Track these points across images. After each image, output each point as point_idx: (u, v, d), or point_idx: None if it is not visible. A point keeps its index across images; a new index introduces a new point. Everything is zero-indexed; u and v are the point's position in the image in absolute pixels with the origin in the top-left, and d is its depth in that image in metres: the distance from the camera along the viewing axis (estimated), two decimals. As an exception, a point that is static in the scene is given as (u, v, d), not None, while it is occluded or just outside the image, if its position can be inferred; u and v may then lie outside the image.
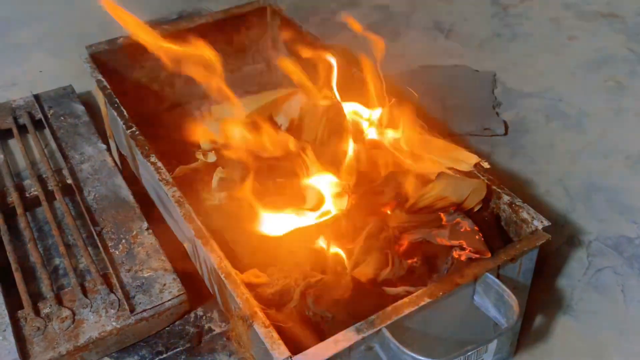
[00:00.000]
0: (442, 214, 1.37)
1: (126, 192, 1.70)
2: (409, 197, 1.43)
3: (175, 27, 2.01)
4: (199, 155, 1.66)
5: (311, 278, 1.28)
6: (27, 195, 1.73)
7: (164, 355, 1.42)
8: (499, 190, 1.42)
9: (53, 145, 1.85)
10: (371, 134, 1.55)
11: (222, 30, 2.05)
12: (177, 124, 1.89)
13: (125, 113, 1.67)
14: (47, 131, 1.91)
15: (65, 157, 1.81)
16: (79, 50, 1.95)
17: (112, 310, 1.41)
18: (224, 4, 2.13)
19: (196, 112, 2.02)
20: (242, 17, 2.07)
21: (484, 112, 2.29)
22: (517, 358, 1.54)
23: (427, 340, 1.24)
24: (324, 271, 1.32)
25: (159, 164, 1.50)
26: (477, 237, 1.30)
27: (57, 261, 1.61)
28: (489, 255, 1.25)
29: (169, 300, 1.43)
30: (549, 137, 2.20)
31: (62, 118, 1.98)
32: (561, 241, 1.80)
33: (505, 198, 1.40)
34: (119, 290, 1.43)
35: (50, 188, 1.73)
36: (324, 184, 1.41)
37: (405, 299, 1.16)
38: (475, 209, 1.44)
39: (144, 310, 1.40)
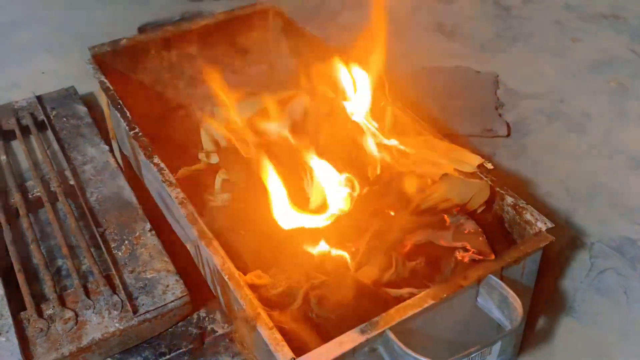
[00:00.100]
0: (445, 216, 1.37)
1: (129, 194, 1.69)
2: (413, 198, 1.43)
3: (177, 28, 2.01)
4: (202, 157, 1.67)
5: (314, 279, 1.28)
6: (30, 196, 1.73)
7: (167, 357, 1.42)
8: (502, 191, 1.42)
9: (56, 146, 1.85)
10: (374, 135, 1.55)
11: (225, 32, 2.05)
12: (179, 126, 1.90)
13: (128, 114, 1.67)
14: (49, 132, 1.91)
15: (67, 158, 1.81)
16: (82, 51, 1.95)
17: (115, 312, 1.40)
18: (226, 5, 2.13)
19: (199, 113, 2.02)
20: (244, 18, 2.07)
21: (487, 114, 2.29)
22: (520, 359, 1.54)
23: (431, 342, 1.24)
24: (327, 273, 1.32)
25: (162, 165, 1.50)
26: (480, 238, 1.30)
27: (59, 262, 1.60)
28: (493, 257, 1.25)
29: (172, 301, 1.42)
30: (551, 138, 2.20)
31: (65, 119, 1.97)
32: (564, 243, 1.80)
33: (509, 199, 1.40)
34: (122, 292, 1.43)
35: (53, 189, 1.73)
36: (327, 185, 1.41)
37: (409, 301, 1.16)
38: (479, 211, 1.44)
39: (147, 312, 1.40)
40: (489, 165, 1.47)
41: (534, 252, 1.28)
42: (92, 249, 1.56)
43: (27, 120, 1.97)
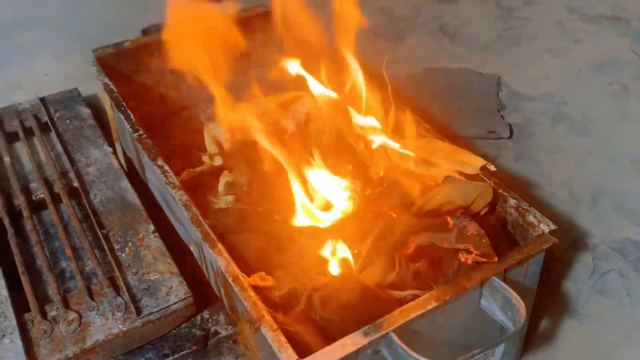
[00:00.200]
0: (448, 218, 1.37)
1: (132, 195, 1.70)
2: (416, 200, 1.43)
3: (180, 30, 2.01)
4: (206, 159, 1.67)
5: (318, 281, 1.28)
6: (34, 198, 1.73)
7: (171, 358, 1.42)
8: (505, 193, 1.42)
9: (59, 148, 1.86)
10: (378, 137, 1.55)
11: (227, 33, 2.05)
12: (183, 127, 1.90)
13: (131, 116, 1.67)
14: (53, 134, 1.92)
15: (71, 160, 1.82)
16: (85, 53, 1.95)
17: (119, 313, 1.41)
18: (228, 7, 2.13)
19: (202, 115, 2.02)
20: (247, 20, 2.07)
21: (489, 115, 2.29)
22: (523, 361, 1.54)
23: (434, 343, 1.24)
24: (331, 275, 1.32)
25: (166, 167, 1.50)
26: (483, 240, 1.30)
27: (63, 264, 1.61)
28: (496, 259, 1.25)
29: (176, 303, 1.43)
30: (554, 140, 2.20)
31: (68, 121, 1.98)
32: (566, 244, 1.80)
33: (512, 201, 1.40)
34: (126, 293, 1.44)
35: (56, 191, 1.73)
36: (331, 187, 1.42)
37: (412, 303, 1.16)
38: (482, 213, 1.44)
39: (151, 313, 1.41)
40: (492, 167, 1.47)
41: (537, 254, 1.28)
42: (96, 251, 1.56)
43: (30, 122, 1.98)
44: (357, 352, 1.10)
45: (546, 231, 1.32)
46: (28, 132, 1.96)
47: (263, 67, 2.14)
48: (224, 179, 1.57)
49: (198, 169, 1.65)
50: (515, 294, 1.19)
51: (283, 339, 1.11)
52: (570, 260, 1.77)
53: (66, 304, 1.43)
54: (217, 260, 1.28)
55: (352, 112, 1.58)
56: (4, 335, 1.37)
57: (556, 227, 1.32)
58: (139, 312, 1.40)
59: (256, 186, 1.52)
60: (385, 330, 1.12)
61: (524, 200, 1.40)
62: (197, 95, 2.09)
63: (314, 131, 1.61)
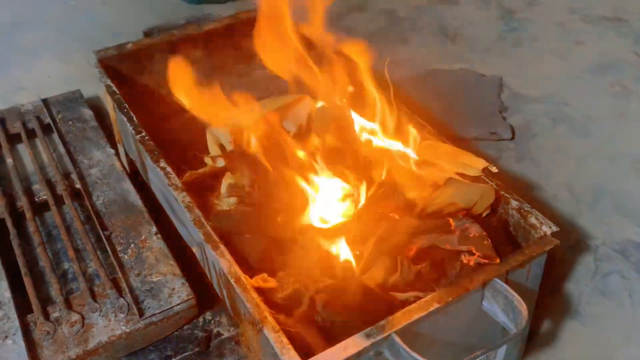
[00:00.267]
0: (450, 220, 1.38)
1: (135, 197, 1.70)
2: (418, 202, 1.44)
3: (183, 32, 2.02)
4: (208, 161, 1.67)
5: (320, 283, 1.29)
6: (36, 199, 1.73)
7: (173, 360, 1.43)
8: (507, 195, 1.42)
9: (62, 149, 1.86)
10: (380, 139, 1.55)
11: (230, 36, 2.06)
12: (185, 129, 1.90)
13: (134, 118, 1.67)
14: (55, 136, 1.92)
15: (73, 161, 1.82)
16: (87, 54, 1.95)
17: (122, 315, 1.41)
18: (231, 9, 2.14)
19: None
20: (249, 22, 2.07)
21: (491, 117, 2.30)
22: (525, 363, 1.54)
23: (436, 345, 1.24)
24: (333, 276, 1.32)
25: (168, 169, 1.51)
26: (485, 242, 1.30)
27: (66, 265, 1.61)
28: (498, 260, 1.26)
29: (178, 304, 1.43)
30: (555, 141, 2.21)
31: (71, 122, 1.98)
32: (568, 246, 1.80)
33: (514, 203, 1.40)
34: (128, 295, 1.44)
35: (59, 192, 1.74)
36: (333, 189, 1.42)
37: (415, 304, 1.17)
38: (484, 214, 1.44)
39: (153, 315, 1.41)
40: (494, 169, 1.48)
41: (539, 255, 1.28)
42: (98, 252, 1.57)
43: (33, 124, 1.98)
44: (359, 354, 1.11)
45: (548, 233, 1.32)
46: (30, 134, 1.96)
47: (266, 68, 2.15)
48: (226, 181, 1.57)
49: (200, 170, 1.65)
50: (517, 296, 1.19)
51: (285, 340, 1.11)
52: (571, 262, 1.77)
53: (69, 306, 1.44)
54: (220, 262, 1.28)
55: (354, 114, 1.58)
56: (6, 337, 1.37)
57: (558, 228, 1.32)
58: (141, 313, 1.41)
59: (258, 188, 1.52)
60: (387, 332, 1.12)
61: (526, 202, 1.40)
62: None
63: (315, 133, 1.61)
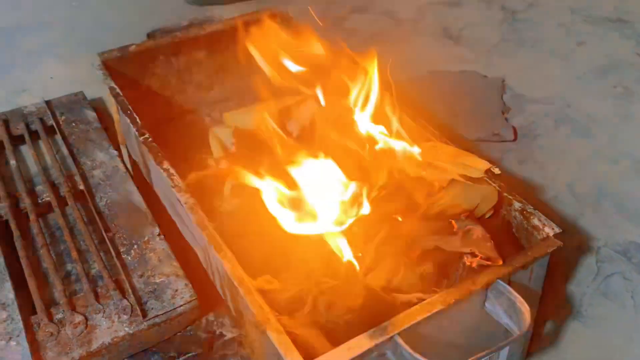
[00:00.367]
0: (453, 221, 1.38)
1: (138, 198, 1.70)
2: (421, 204, 1.44)
3: (186, 34, 2.02)
4: (211, 162, 1.67)
5: (324, 285, 1.29)
6: (40, 201, 1.74)
7: (176, 361, 1.43)
8: (510, 197, 1.42)
9: (65, 151, 1.86)
10: (382, 140, 1.55)
11: (233, 37, 2.06)
12: (188, 131, 1.90)
13: (138, 120, 1.68)
14: (58, 137, 1.92)
15: (77, 163, 1.82)
16: (90, 56, 1.96)
17: (125, 316, 1.41)
18: (234, 11, 2.14)
19: (207, 118, 2.03)
20: (252, 24, 2.08)
21: (493, 118, 2.30)
22: (527, 364, 1.54)
23: (439, 347, 1.24)
24: (336, 278, 1.32)
25: (172, 170, 1.51)
26: (488, 244, 1.30)
27: (69, 267, 1.61)
28: (501, 262, 1.26)
29: (181, 305, 1.43)
30: (557, 142, 2.21)
31: (74, 124, 1.99)
32: (570, 247, 1.81)
33: (517, 205, 1.41)
34: (132, 296, 1.44)
35: (62, 194, 1.74)
36: (336, 190, 1.42)
37: (418, 306, 1.17)
38: (487, 216, 1.44)
39: (156, 316, 1.41)
40: (497, 170, 1.48)
41: (541, 257, 1.29)
42: (102, 254, 1.57)
43: (36, 125, 1.98)
44: (362, 356, 1.11)
45: (551, 234, 1.32)
46: (34, 135, 1.96)
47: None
48: (229, 182, 1.57)
49: (204, 172, 1.65)
50: (519, 297, 1.20)
51: (289, 342, 1.12)
52: (574, 263, 1.77)
53: (72, 307, 1.44)
54: (223, 264, 1.28)
55: (357, 115, 1.58)
56: (10, 338, 1.38)
57: (561, 230, 1.32)
58: (144, 314, 1.41)
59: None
60: (390, 334, 1.12)
61: (529, 204, 1.40)
62: (202, 98, 2.10)
63: (318, 135, 1.61)
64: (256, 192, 1.41)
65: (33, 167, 1.86)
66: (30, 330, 1.39)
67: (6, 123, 1.99)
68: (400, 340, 1.12)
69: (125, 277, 1.48)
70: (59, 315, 1.42)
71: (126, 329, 1.39)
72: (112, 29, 2.87)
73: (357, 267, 1.34)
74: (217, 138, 1.73)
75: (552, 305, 1.65)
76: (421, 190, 1.45)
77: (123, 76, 1.93)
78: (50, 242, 1.66)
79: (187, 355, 1.43)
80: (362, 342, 1.11)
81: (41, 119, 2.01)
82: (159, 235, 1.59)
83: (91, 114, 2.03)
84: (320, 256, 1.35)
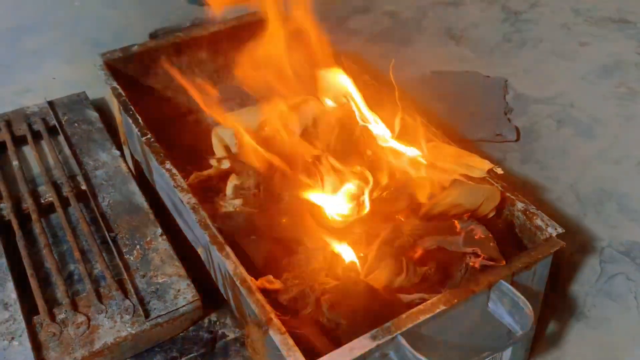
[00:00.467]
0: (456, 221, 1.38)
1: (140, 199, 1.71)
2: (423, 204, 1.43)
3: (188, 34, 2.02)
4: (213, 162, 1.67)
5: (326, 285, 1.28)
6: (42, 201, 1.74)
7: (178, 361, 1.43)
8: (512, 197, 1.42)
9: (67, 151, 1.87)
10: (384, 141, 1.55)
11: (235, 38, 2.06)
12: (190, 131, 1.90)
13: (140, 120, 1.68)
14: (61, 137, 1.93)
15: (79, 163, 1.83)
16: (92, 57, 1.96)
17: (127, 316, 1.42)
18: (236, 12, 2.14)
19: (209, 118, 2.03)
20: (254, 24, 2.08)
21: (496, 118, 2.30)
22: (530, 365, 1.54)
23: (442, 347, 1.24)
24: (338, 278, 1.32)
25: (174, 170, 1.51)
26: (491, 244, 1.30)
27: (72, 267, 1.61)
28: (504, 262, 1.25)
29: (184, 306, 1.43)
30: (560, 143, 2.20)
31: (76, 124, 1.99)
32: (573, 248, 1.80)
33: (519, 205, 1.40)
34: (134, 296, 1.44)
35: (64, 194, 1.74)
36: (339, 191, 1.42)
37: (420, 306, 1.17)
38: (489, 216, 1.44)
39: (159, 316, 1.41)
40: (499, 171, 1.47)
41: (544, 257, 1.28)
42: (104, 254, 1.57)
43: (38, 126, 1.99)
44: (365, 356, 1.11)
45: (554, 235, 1.32)
46: (36, 136, 1.97)
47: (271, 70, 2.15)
48: (231, 182, 1.57)
49: (206, 172, 1.66)
50: (522, 298, 1.19)
51: (291, 342, 1.11)
52: (577, 263, 1.77)
53: (75, 307, 1.44)
54: (225, 264, 1.28)
55: (360, 115, 1.58)
56: (13, 338, 1.38)
57: (564, 230, 1.32)
58: (147, 315, 1.41)
59: (264, 189, 1.52)
60: (393, 334, 1.12)
61: (531, 204, 1.40)
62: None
63: (321, 135, 1.61)
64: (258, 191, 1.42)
65: (35, 168, 1.86)
66: (32, 331, 1.40)
67: (9, 123, 1.99)
68: (403, 341, 1.12)
69: (127, 277, 1.48)
70: (62, 316, 1.42)
71: (129, 329, 1.39)
72: (115, 30, 2.87)
73: (360, 267, 1.33)
74: (220, 138, 1.73)
75: (556, 306, 1.65)
76: (423, 191, 1.44)
77: (125, 76, 1.94)
78: (52, 242, 1.66)
79: (189, 356, 1.43)
80: (364, 343, 1.11)
81: (44, 120, 2.01)
82: (161, 235, 1.60)
83: (93, 115, 2.03)
84: (322, 256, 1.35)
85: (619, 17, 2.89)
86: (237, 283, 1.24)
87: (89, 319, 1.41)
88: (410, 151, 1.52)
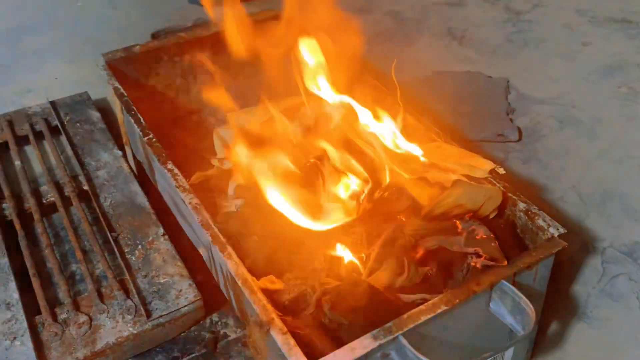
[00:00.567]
0: (457, 221, 1.37)
1: (142, 199, 1.71)
2: (425, 204, 1.43)
3: (190, 34, 2.02)
4: (215, 162, 1.67)
5: (327, 285, 1.28)
6: (44, 201, 1.74)
7: (180, 361, 1.43)
8: (514, 197, 1.42)
9: (69, 151, 1.87)
10: (386, 141, 1.55)
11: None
12: (192, 131, 1.90)
13: (142, 120, 1.68)
14: (63, 137, 1.93)
15: (81, 163, 1.83)
16: (94, 57, 1.96)
17: (129, 316, 1.42)
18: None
19: (211, 118, 2.03)
20: (257, 25, 2.08)
21: (498, 119, 2.29)
22: (532, 365, 1.54)
23: (444, 347, 1.24)
24: (340, 278, 1.32)
25: (176, 170, 1.51)
26: (493, 244, 1.30)
27: (74, 267, 1.62)
28: (505, 262, 1.25)
29: (185, 306, 1.44)
30: (562, 143, 2.20)
31: (78, 124, 1.99)
32: (575, 248, 1.80)
33: (521, 205, 1.40)
34: (136, 296, 1.44)
35: (66, 194, 1.74)
36: (340, 190, 1.42)
37: (422, 306, 1.16)
38: (491, 216, 1.44)
39: (161, 316, 1.41)
40: (501, 171, 1.47)
41: (546, 257, 1.28)
42: (106, 254, 1.57)
43: (40, 126, 1.99)
44: (366, 356, 1.10)
45: (555, 235, 1.32)
46: (38, 136, 1.97)
47: (273, 70, 2.15)
48: (233, 182, 1.57)
49: (208, 172, 1.66)
50: (524, 298, 1.19)
51: (292, 342, 1.12)
52: (579, 264, 1.77)
53: (77, 307, 1.44)
54: (227, 264, 1.28)
55: (361, 116, 1.58)
56: (15, 338, 1.38)
57: (565, 231, 1.32)
58: (148, 315, 1.41)
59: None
60: (394, 334, 1.12)
61: (533, 204, 1.40)
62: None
63: (322, 135, 1.61)
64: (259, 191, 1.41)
65: (37, 168, 1.86)
66: (34, 330, 1.40)
67: (11, 123, 1.99)
68: (404, 341, 1.12)
69: (129, 277, 1.49)
70: (64, 315, 1.42)
71: (130, 329, 1.39)
72: (117, 30, 2.87)
73: (361, 268, 1.33)
74: (221, 138, 1.74)
75: (557, 306, 1.64)
76: (425, 191, 1.44)
77: (127, 76, 1.94)
78: (54, 242, 1.66)
79: (191, 356, 1.43)
80: (366, 343, 1.11)
81: (46, 120, 2.01)
82: (163, 235, 1.60)
83: (95, 115, 2.03)
84: (323, 256, 1.35)
85: (622, 17, 2.89)
86: (239, 283, 1.24)
87: (90, 319, 1.41)
88: (412, 151, 1.52)
